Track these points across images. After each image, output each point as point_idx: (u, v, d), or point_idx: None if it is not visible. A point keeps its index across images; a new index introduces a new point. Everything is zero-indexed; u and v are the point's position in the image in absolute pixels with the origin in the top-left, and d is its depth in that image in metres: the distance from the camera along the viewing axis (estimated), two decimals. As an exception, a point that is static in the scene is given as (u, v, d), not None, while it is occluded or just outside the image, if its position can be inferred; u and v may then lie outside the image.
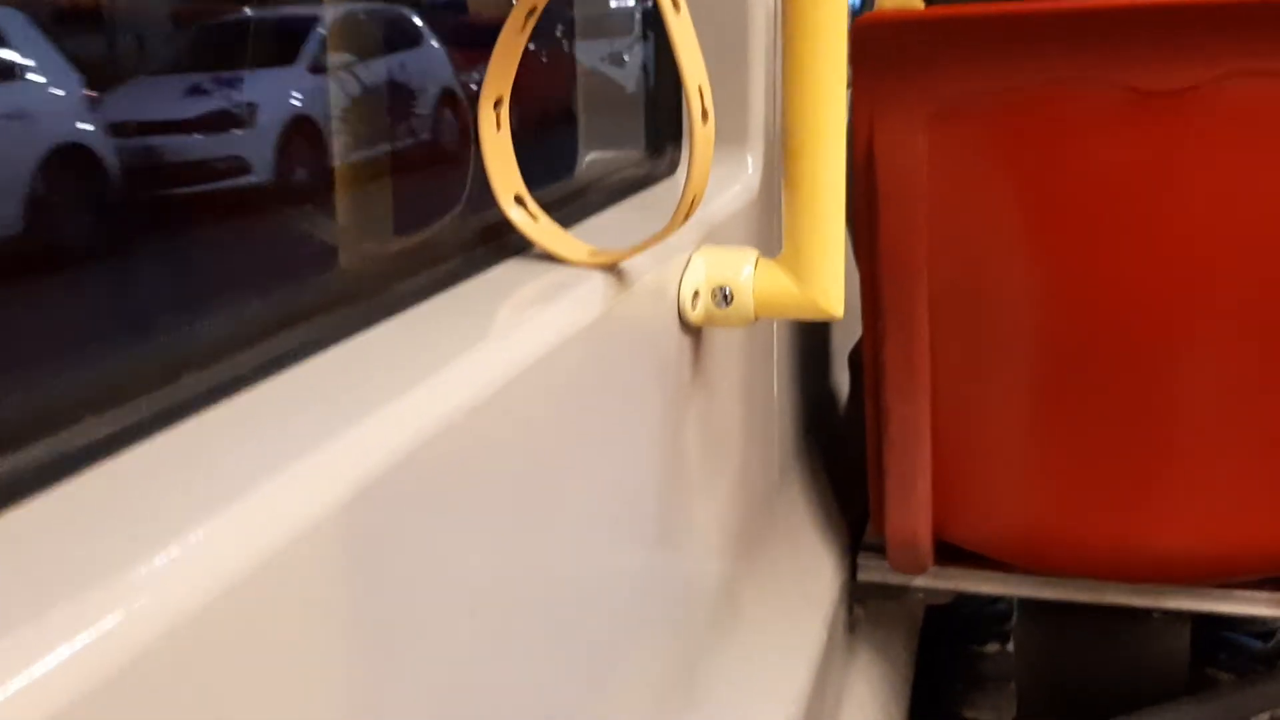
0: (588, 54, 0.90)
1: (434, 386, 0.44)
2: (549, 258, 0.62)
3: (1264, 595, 1.09)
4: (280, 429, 0.39)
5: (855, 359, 1.29)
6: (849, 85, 0.88)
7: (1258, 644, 1.39)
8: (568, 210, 0.73)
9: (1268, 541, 1.01)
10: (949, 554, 1.12)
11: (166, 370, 0.40)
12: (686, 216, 0.60)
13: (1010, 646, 1.52)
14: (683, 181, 0.61)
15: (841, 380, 1.41)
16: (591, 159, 0.90)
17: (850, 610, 1.16)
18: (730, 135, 0.90)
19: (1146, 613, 1.25)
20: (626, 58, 0.90)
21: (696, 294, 0.71)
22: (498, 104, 0.60)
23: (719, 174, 0.88)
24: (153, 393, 0.38)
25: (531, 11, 0.60)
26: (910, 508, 1.06)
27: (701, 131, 0.57)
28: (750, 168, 0.91)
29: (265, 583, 0.33)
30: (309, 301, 0.49)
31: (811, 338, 1.25)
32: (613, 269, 0.61)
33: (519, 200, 0.61)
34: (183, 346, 0.41)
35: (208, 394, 0.40)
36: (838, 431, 1.34)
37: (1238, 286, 0.90)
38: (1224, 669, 1.41)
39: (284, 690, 0.34)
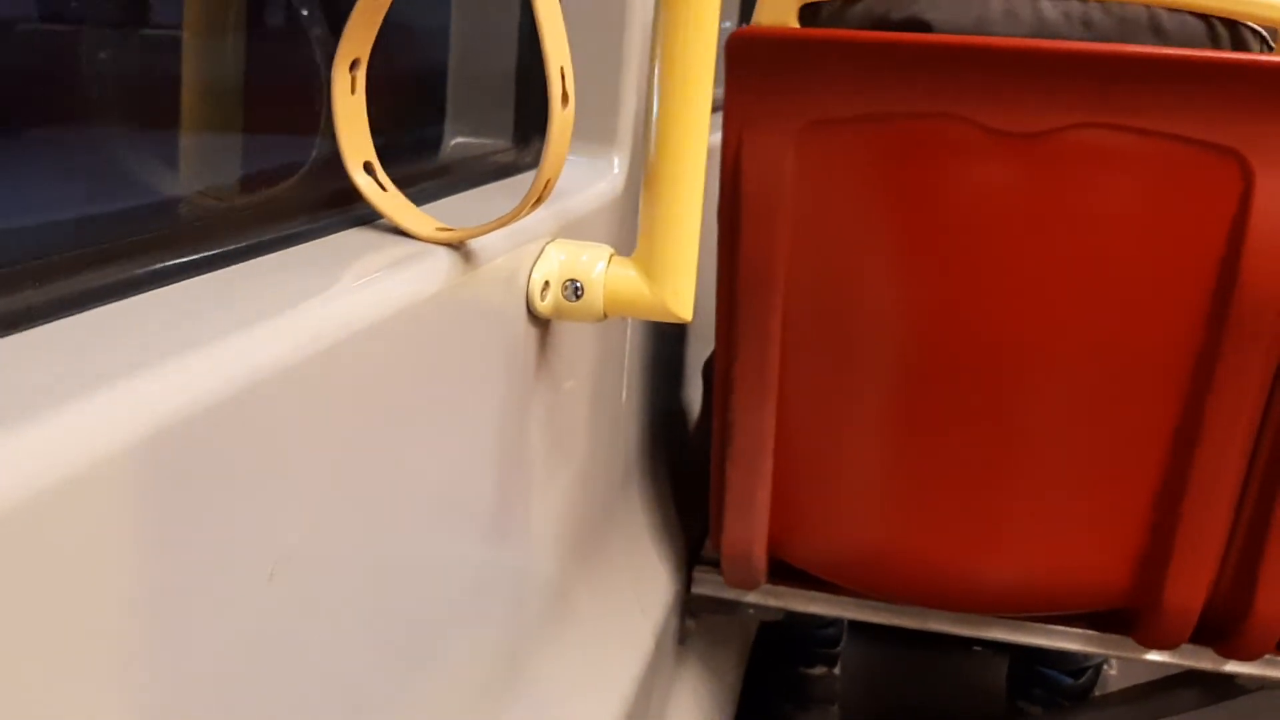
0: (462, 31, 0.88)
1: (256, 337, 0.42)
2: (397, 231, 0.60)
3: (1078, 631, 1.13)
4: (83, 361, 0.36)
5: (708, 372, 1.30)
6: (722, 99, 0.89)
7: (1069, 680, 1.44)
8: (426, 187, 0.72)
9: (1083, 578, 1.05)
10: (783, 573, 1.13)
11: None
12: (539, 200, 0.59)
13: (837, 670, 1.54)
14: None
15: (694, 395, 1.41)
16: (456, 143, 0.89)
17: (682, 621, 1.16)
18: (599, 134, 0.90)
19: (967, 645, 1.28)
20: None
21: (547, 284, 0.70)
22: (354, 66, 0.58)
23: (584, 171, 0.88)
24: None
25: (399, -24, 0.58)
26: (748, 523, 1.07)
27: (560, 115, 0.56)
28: (616, 167, 0.91)
29: (41, 515, 0.31)
30: (133, 241, 0.46)
31: (666, 348, 1.25)
32: (461, 248, 0.60)
33: (368, 168, 0.60)
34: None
35: (4, 320, 0.38)
36: (686, 444, 1.34)
37: (1078, 326, 0.94)
38: (1036, 703, 1.46)
39: (53, 633, 0.32)
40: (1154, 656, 1.11)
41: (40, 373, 0.35)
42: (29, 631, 0.31)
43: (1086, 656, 1.42)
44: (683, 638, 1.17)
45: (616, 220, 0.90)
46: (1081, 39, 0.91)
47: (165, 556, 0.37)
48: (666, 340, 1.24)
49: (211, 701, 0.41)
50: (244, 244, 0.52)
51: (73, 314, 0.40)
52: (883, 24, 0.93)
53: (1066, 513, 1.02)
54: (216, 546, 0.39)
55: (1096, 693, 1.46)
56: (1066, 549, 1.04)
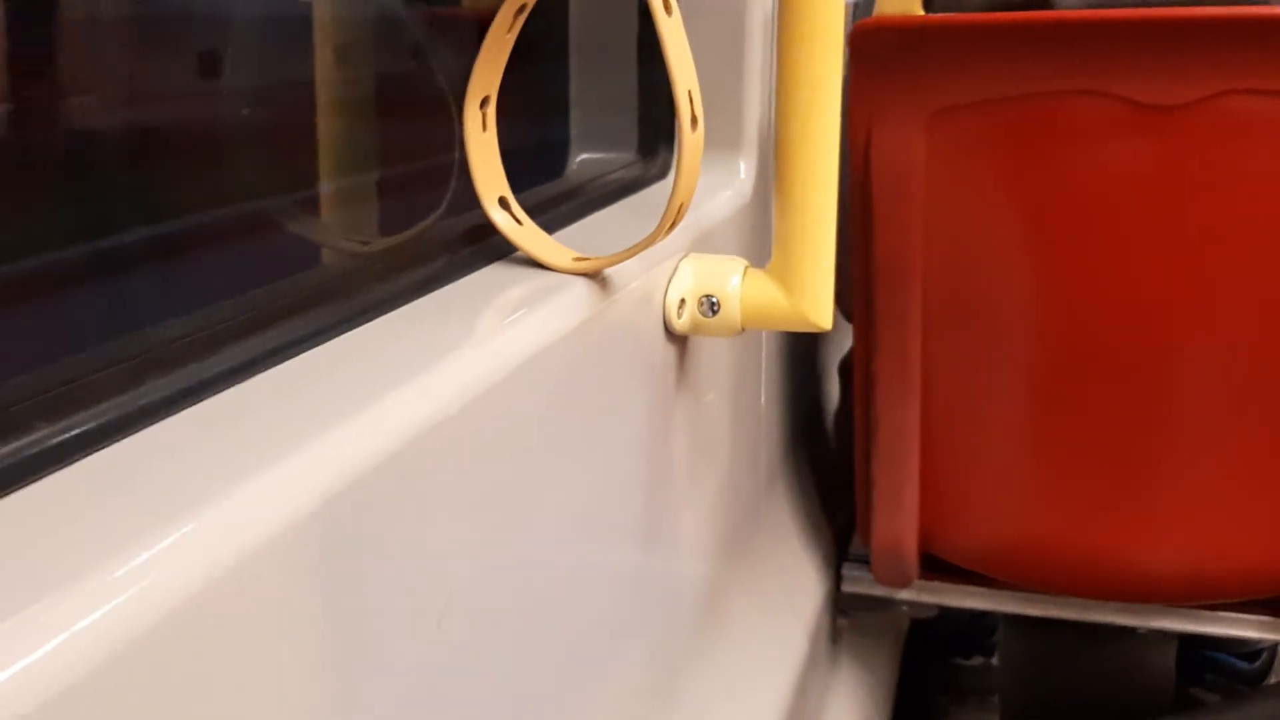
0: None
1: (411, 393, 0.43)
2: (533, 262, 0.61)
3: (1250, 618, 1.08)
4: (250, 435, 0.37)
5: (845, 368, 1.28)
6: (846, 89, 0.87)
7: (1244, 664, 1.38)
8: (557, 212, 0.72)
9: (1256, 563, 1.00)
10: (934, 567, 1.11)
11: (130, 373, 0.39)
12: (673, 225, 0.59)
13: (995, 659, 1.51)
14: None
15: (831, 389, 1.40)
16: (583, 159, 0.89)
17: (834, 621, 1.15)
18: (724, 139, 0.89)
19: (1132, 630, 1.24)
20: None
21: (683, 302, 0.69)
22: (484, 103, 0.59)
23: (711, 179, 0.87)
24: (113, 398, 0.37)
25: (521, 9, 0.58)
26: (897, 519, 1.05)
27: (690, 138, 0.56)
28: (743, 173, 0.90)
29: (226, 595, 0.32)
30: (285, 304, 0.48)
31: (802, 346, 1.24)
32: (597, 275, 0.60)
33: (503, 203, 0.60)
34: (146, 348, 0.40)
35: (174, 398, 0.39)
36: (826, 441, 1.33)
37: (1232, 303, 0.90)
38: (1210, 688, 1.40)
39: (245, 702, 0.33)
40: (1337, 641, 1.06)
41: (212, 450, 0.36)
42: (221, 704, 0.32)
43: (1262, 641, 1.35)
44: (836, 636, 1.16)
45: (747, 227, 0.89)
46: (1219, 3, 0.87)
47: (342, 621, 0.37)
48: (802, 337, 1.23)
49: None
50: (387, 294, 0.52)
51: (232, 386, 0.41)
52: (1005, 5, 0.90)
53: (1231, 496, 0.98)
54: (388, 604, 0.40)
55: (1274, 676, 1.40)
56: (1233, 534, 0.99)
